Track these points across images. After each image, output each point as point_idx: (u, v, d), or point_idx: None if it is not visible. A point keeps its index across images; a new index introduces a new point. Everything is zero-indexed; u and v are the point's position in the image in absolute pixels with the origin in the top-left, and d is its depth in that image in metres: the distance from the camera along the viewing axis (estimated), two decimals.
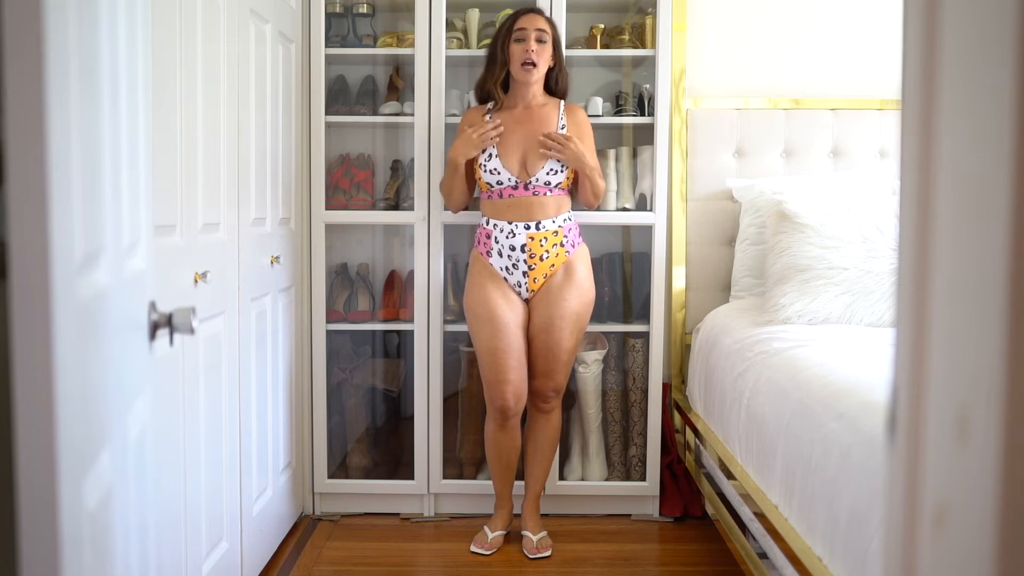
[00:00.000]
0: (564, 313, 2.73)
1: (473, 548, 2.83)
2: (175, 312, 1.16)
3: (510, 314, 2.73)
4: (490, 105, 2.83)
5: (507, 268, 2.75)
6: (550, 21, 2.78)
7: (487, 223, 2.79)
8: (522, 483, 2.97)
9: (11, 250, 0.76)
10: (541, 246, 2.73)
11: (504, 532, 2.88)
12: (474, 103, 2.94)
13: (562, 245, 2.75)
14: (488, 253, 2.77)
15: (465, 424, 3.19)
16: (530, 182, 2.73)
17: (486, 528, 2.88)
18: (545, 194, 2.74)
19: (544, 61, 2.73)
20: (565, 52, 2.90)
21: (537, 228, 2.73)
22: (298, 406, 3.03)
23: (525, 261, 2.73)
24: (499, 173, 2.74)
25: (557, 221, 2.75)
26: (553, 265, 2.74)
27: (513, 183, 2.73)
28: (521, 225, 2.73)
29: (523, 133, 2.76)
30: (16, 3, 0.74)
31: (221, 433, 2.25)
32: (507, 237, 2.74)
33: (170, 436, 1.89)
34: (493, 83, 2.77)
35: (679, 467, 3.18)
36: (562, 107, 2.81)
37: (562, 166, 2.72)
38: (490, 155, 2.75)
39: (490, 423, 2.81)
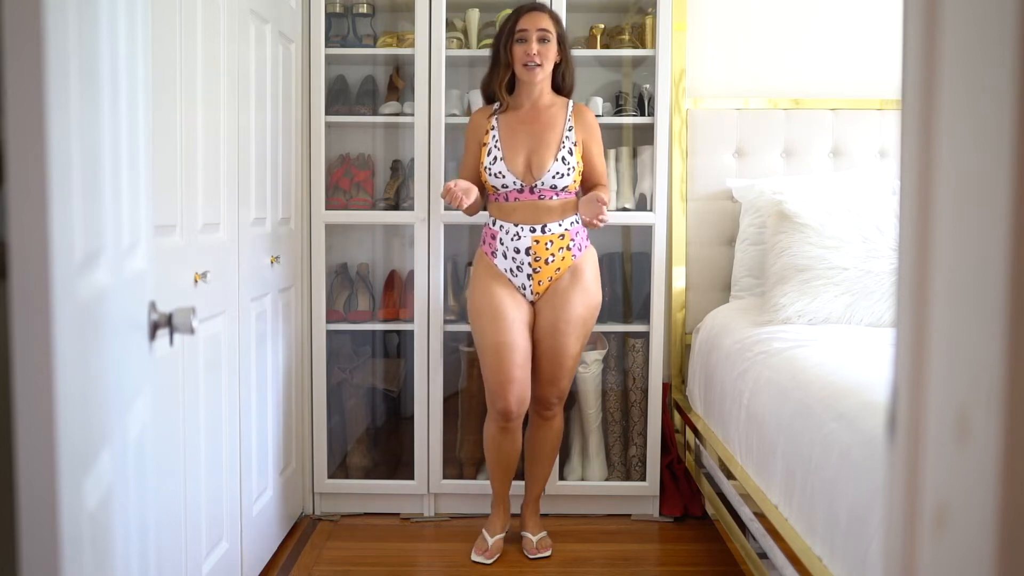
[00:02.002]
0: (570, 317, 2.67)
1: (474, 557, 2.77)
2: (175, 312, 1.16)
3: (515, 311, 2.66)
4: (496, 106, 2.76)
5: (511, 270, 2.69)
6: (553, 17, 2.69)
7: (493, 224, 2.73)
8: (520, 483, 2.96)
9: (11, 250, 0.76)
10: (547, 249, 2.67)
11: (503, 535, 2.84)
12: (475, 104, 2.91)
13: (568, 248, 2.69)
14: (493, 254, 2.72)
15: (465, 424, 3.19)
16: (535, 185, 2.66)
17: (485, 533, 2.82)
18: (551, 198, 2.67)
19: (549, 60, 2.66)
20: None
21: (543, 231, 2.67)
22: (298, 406, 3.03)
23: (530, 264, 2.68)
24: (503, 176, 2.67)
25: (563, 224, 2.69)
26: (559, 269, 2.69)
27: (518, 186, 2.67)
28: (527, 228, 2.67)
29: (528, 134, 2.69)
30: (16, 3, 0.74)
31: (221, 433, 2.25)
32: (512, 239, 2.68)
33: (170, 436, 1.89)
34: (497, 85, 2.70)
35: (679, 467, 3.18)
36: (570, 108, 2.74)
37: (569, 169, 2.66)
38: (495, 158, 2.68)
39: (490, 424, 2.75)
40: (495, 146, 2.69)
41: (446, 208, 2.99)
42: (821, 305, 2.62)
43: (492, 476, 2.83)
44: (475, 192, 2.60)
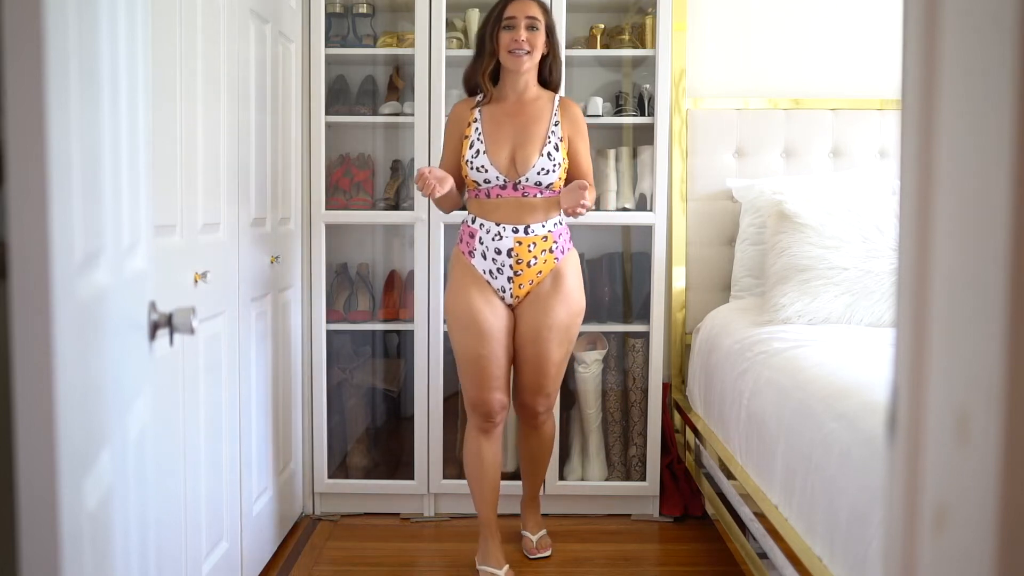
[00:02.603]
0: (553, 324, 2.54)
1: None
2: (175, 312, 1.16)
3: (494, 319, 2.53)
4: (479, 98, 2.62)
5: (491, 272, 2.55)
6: (542, 5, 2.56)
7: (472, 221, 2.58)
8: (509, 483, 2.89)
9: (11, 250, 0.76)
10: (529, 252, 2.53)
11: (508, 566, 2.62)
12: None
13: (551, 251, 2.56)
14: (471, 253, 2.56)
15: (464, 424, 3.18)
16: (519, 182, 2.52)
17: (489, 569, 2.59)
18: (536, 195, 2.53)
19: (537, 50, 2.53)
20: (565, 52, 2.86)
21: (526, 232, 2.53)
22: (298, 406, 3.03)
23: (511, 266, 2.53)
24: (486, 171, 2.51)
25: (547, 226, 2.55)
26: (540, 272, 2.55)
27: (501, 182, 2.52)
28: (509, 228, 2.53)
29: (513, 127, 2.55)
30: (16, 3, 0.74)
31: (221, 433, 2.25)
32: (493, 239, 2.53)
33: (170, 436, 1.89)
34: (482, 74, 2.56)
35: (679, 467, 3.18)
36: (556, 101, 2.61)
37: (555, 165, 2.54)
38: (477, 151, 2.53)
39: (473, 433, 2.60)
40: (478, 139, 2.55)
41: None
42: (821, 305, 2.62)
43: (476, 496, 2.64)
44: (450, 182, 2.45)
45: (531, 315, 2.56)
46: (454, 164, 2.62)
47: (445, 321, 2.65)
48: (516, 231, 2.54)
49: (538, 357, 2.57)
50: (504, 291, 2.57)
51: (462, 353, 2.56)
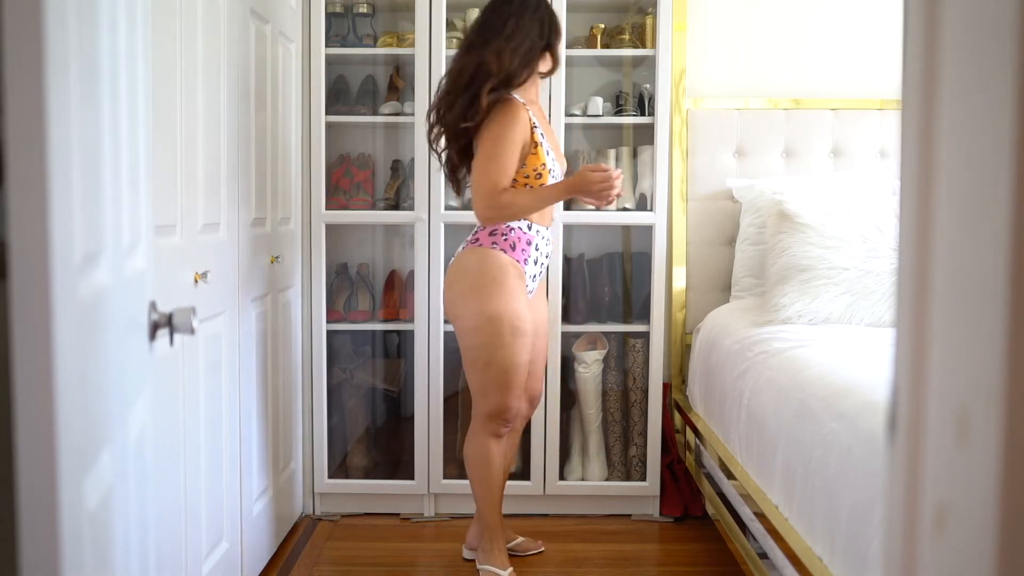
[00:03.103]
0: (547, 317, 2.70)
1: None
2: (175, 312, 1.16)
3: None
4: (516, 96, 2.46)
5: (534, 276, 2.52)
6: None
7: (528, 228, 2.47)
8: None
9: (11, 250, 0.76)
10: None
11: (511, 567, 2.59)
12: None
13: None
14: (526, 261, 2.48)
15: (465, 424, 3.18)
16: None
17: (495, 570, 2.55)
18: None
19: None
20: (565, 52, 2.89)
21: (551, 233, 2.61)
22: (298, 406, 3.03)
23: (545, 268, 2.60)
24: (557, 176, 2.49)
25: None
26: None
27: None
28: (549, 231, 2.57)
29: (550, 130, 2.59)
30: (16, 3, 0.74)
31: (221, 433, 2.25)
32: (545, 244, 2.54)
33: (170, 436, 1.89)
34: (532, 71, 2.45)
35: (679, 467, 3.18)
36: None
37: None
38: (547, 151, 2.45)
39: (485, 439, 2.51)
40: (544, 142, 2.46)
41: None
42: (821, 305, 2.62)
43: (487, 502, 2.55)
44: None
45: (536, 314, 2.60)
46: (512, 175, 2.43)
47: (486, 329, 2.41)
48: (549, 232, 2.59)
49: (543, 351, 2.68)
50: (531, 293, 2.55)
51: (511, 361, 2.42)
